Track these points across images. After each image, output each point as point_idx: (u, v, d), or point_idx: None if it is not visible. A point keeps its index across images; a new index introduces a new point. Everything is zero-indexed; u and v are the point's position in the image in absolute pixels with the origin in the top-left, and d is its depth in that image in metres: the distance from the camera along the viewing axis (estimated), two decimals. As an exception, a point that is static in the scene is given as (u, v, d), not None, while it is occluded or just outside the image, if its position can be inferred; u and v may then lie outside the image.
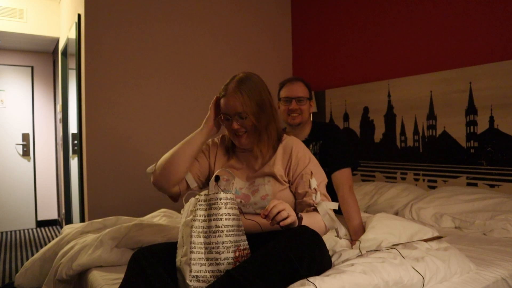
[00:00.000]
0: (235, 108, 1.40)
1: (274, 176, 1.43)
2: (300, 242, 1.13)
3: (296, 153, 1.45)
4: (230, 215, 1.22)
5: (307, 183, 1.40)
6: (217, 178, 1.43)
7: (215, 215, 1.20)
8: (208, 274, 1.16)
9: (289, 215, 1.17)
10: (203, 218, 1.22)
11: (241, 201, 1.42)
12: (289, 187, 1.46)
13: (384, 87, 2.91)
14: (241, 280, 1.06)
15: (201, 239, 1.20)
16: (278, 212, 1.16)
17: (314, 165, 1.47)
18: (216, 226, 1.19)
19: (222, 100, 1.44)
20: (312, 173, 1.42)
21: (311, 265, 1.12)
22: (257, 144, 1.44)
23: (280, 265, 1.09)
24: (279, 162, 1.45)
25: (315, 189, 1.38)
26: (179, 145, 1.47)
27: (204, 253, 1.18)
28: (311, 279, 1.07)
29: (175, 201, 1.59)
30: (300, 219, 1.24)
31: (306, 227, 1.22)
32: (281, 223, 1.16)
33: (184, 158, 1.45)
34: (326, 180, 1.48)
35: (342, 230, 1.37)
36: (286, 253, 1.09)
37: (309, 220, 1.28)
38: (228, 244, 1.18)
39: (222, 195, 1.23)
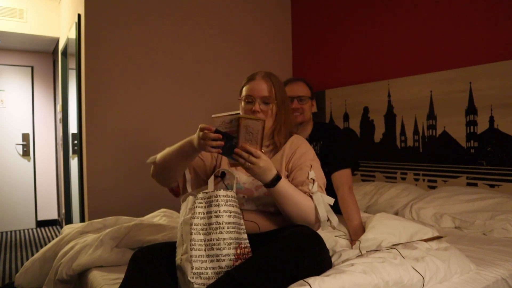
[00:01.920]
0: (262, 92, 1.43)
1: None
2: (300, 242, 1.13)
3: (301, 149, 1.47)
4: (230, 212, 1.21)
5: (306, 174, 1.40)
6: (223, 174, 1.43)
7: (216, 212, 1.20)
8: (209, 271, 1.16)
9: (256, 164, 1.19)
10: (202, 215, 1.22)
11: (243, 196, 1.42)
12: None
13: (384, 87, 2.91)
14: (241, 281, 1.06)
15: (201, 236, 1.19)
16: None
17: (316, 164, 1.46)
18: (217, 223, 1.19)
19: (247, 85, 1.47)
20: (311, 166, 1.42)
21: (311, 265, 1.12)
22: (277, 135, 1.47)
23: (280, 265, 1.09)
24: (284, 157, 1.46)
25: (312, 179, 1.38)
26: (174, 152, 1.35)
27: (205, 250, 1.18)
28: (311, 279, 1.07)
29: (176, 195, 1.53)
30: (276, 180, 1.24)
31: (306, 228, 1.22)
32: (239, 161, 1.20)
33: (178, 169, 1.38)
34: (325, 181, 1.46)
35: (335, 220, 1.34)
36: (285, 255, 1.09)
37: (294, 192, 1.28)
38: (229, 241, 1.18)
39: (222, 192, 1.23)
